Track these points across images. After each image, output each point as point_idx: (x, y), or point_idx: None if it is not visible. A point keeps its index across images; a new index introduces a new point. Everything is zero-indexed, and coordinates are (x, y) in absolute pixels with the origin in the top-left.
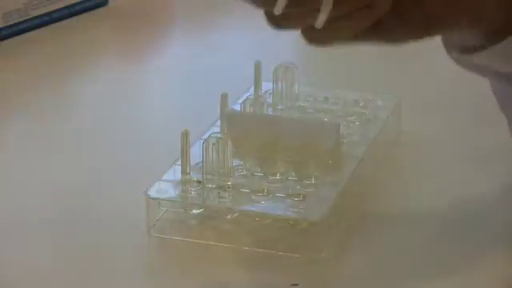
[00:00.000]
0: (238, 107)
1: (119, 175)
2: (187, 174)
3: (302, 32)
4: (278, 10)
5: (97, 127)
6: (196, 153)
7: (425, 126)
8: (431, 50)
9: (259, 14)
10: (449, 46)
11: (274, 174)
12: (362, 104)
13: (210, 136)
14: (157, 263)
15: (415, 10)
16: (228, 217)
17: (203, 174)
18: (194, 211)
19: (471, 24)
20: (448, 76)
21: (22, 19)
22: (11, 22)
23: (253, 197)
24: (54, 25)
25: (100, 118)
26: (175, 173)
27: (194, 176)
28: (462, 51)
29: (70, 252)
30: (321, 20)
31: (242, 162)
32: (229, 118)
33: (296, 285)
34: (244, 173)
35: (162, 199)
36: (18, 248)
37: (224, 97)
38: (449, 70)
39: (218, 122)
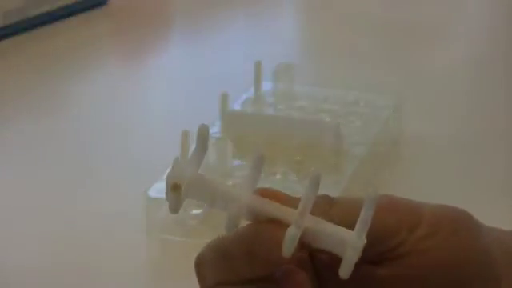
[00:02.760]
0: (237, 107)
1: (119, 175)
2: None
3: None
4: None
5: (96, 127)
6: None
7: (425, 126)
8: (431, 49)
9: (259, 14)
10: None
11: (274, 174)
12: (362, 104)
13: (210, 136)
14: (157, 263)
15: None
16: None
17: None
18: (194, 211)
19: None
20: (448, 76)
21: (21, 18)
22: (11, 22)
23: None
24: (53, 24)
25: (100, 118)
26: None
27: None
28: None
29: (70, 252)
30: None
31: (242, 162)
32: (229, 118)
33: None
34: (244, 173)
35: (162, 199)
36: (17, 247)
37: (224, 97)
38: (449, 69)
39: (218, 122)
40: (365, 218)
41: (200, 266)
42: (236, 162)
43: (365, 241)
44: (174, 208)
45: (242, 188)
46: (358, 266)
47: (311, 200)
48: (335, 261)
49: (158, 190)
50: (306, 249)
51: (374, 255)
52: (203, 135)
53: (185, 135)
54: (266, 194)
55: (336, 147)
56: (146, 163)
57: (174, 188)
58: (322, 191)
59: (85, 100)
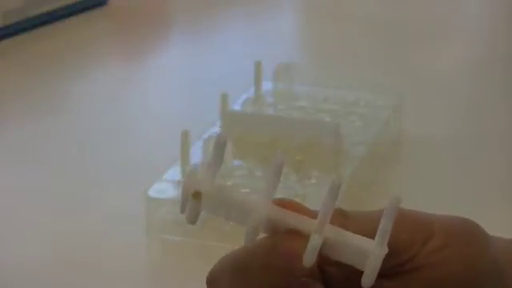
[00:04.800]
0: (238, 107)
1: (119, 175)
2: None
3: None
4: None
5: (96, 127)
6: (196, 153)
7: (425, 126)
8: (431, 49)
9: (259, 14)
10: None
11: None
12: (362, 104)
13: (209, 136)
14: (156, 263)
15: None
16: None
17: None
18: None
19: None
20: (448, 76)
21: (21, 18)
22: (11, 22)
23: None
24: (53, 24)
25: (100, 118)
26: (175, 173)
27: None
28: None
29: (70, 252)
30: None
31: (242, 162)
32: (229, 118)
33: None
34: (244, 173)
35: (162, 199)
36: (17, 247)
37: (224, 97)
38: (449, 69)
39: (218, 122)
40: (385, 226)
41: (214, 280)
42: (236, 162)
43: (387, 249)
44: (194, 217)
45: (259, 198)
46: None
47: (331, 209)
48: (345, 275)
49: (158, 190)
50: (319, 262)
51: (387, 269)
52: (221, 144)
53: (185, 135)
54: (283, 204)
55: (336, 147)
56: (146, 163)
57: (195, 196)
58: (321, 191)
59: (85, 100)
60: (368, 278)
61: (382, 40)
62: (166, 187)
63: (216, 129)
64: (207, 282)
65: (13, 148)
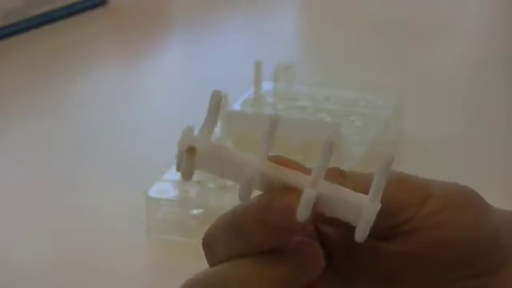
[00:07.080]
0: (238, 107)
1: (119, 175)
2: None
3: None
4: None
5: (96, 127)
6: None
7: (425, 126)
8: (431, 49)
9: (259, 14)
10: None
11: None
12: (362, 104)
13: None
14: (157, 263)
15: None
16: None
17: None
18: (194, 211)
19: None
20: (448, 76)
21: (21, 18)
22: (11, 22)
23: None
24: (53, 24)
25: (100, 118)
26: (175, 173)
27: (194, 176)
28: None
29: (71, 252)
30: None
31: None
32: (229, 118)
33: None
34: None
35: (162, 199)
36: (17, 247)
37: (224, 97)
38: (449, 69)
39: (218, 122)
40: (379, 181)
41: (209, 241)
42: None
43: (380, 205)
44: (188, 173)
45: (255, 155)
46: (366, 241)
47: (326, 165)
48: (342, 235)
49: (158, 190)
50: (315, 221)
51: (384, 230)
52: (216, 102)
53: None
54: (279, 161)
55: (336, 147)
56: (146, 163)
57: (189, 151)
58: None
59: (85, 100)
60: (361, 232)
61: (382, 40)
62: (166, 187)
63: (216, 129)
64: (203, 244)
65: (13, 148)
